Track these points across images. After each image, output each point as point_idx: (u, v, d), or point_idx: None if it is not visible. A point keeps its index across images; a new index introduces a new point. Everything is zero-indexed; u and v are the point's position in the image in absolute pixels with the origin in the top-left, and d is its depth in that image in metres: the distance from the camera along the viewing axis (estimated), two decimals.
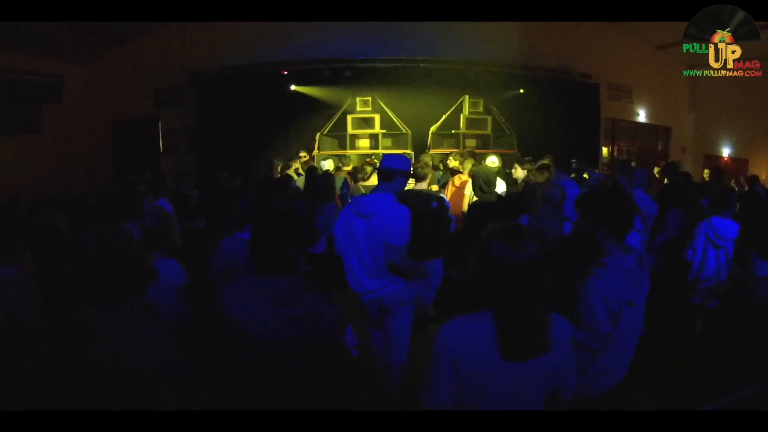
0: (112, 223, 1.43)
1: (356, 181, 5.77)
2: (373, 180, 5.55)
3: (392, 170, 2.61)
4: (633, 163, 7.90)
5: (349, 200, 4.16)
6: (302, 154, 7.15)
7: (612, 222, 1.67)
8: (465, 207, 4.85)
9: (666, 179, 6.12)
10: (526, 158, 5.97)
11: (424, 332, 3.37)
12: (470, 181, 4.89)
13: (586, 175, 5.99)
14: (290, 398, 1.56)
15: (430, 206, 2.73)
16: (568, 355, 1.37)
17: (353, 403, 2.41)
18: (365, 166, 5.94)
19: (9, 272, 2.02)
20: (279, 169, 7.34)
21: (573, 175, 5.69)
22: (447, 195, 5.08)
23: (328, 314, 1.61)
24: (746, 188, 6.56)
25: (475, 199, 4.77)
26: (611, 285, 1.63)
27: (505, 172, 6.35)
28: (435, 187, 5.19)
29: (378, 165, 2.69)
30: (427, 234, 2.59)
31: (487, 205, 4.53)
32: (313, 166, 6.12)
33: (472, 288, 1.33)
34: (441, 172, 6.20)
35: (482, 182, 4.62)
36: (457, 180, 5.10)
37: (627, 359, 1.78)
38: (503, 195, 4.97)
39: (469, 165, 5.24)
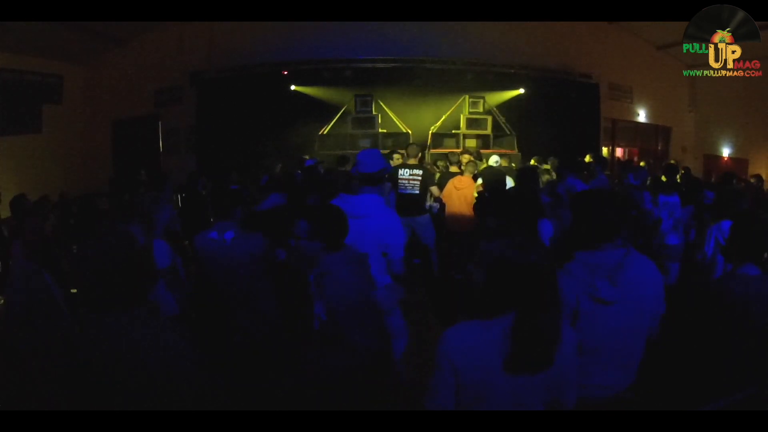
0: (115, 228, 1.44)
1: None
2: None
3: (378, 175, 2.65)
4: (642, 164, 7.89)
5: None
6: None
7: (588, 222, 1.71)
8: (469, 208, 4.78)
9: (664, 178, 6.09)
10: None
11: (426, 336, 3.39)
12: (474, 182, 4.86)
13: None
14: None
15: None
16: (571, 367, 1.35)
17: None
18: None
19: (48, 278, 2.26)
20: (278, 169, 7.32)
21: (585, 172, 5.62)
22: (450, 196, 5.06)
23: None
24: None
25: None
26: (575, 277, 1.63)
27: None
28: (435, 189, 5.15)
29: (360, 165, 2.69)
30: None
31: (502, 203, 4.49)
32: (314, 165, 6.08)
33: (482, 298, 1.33)
34: (438, 174, 6.13)
35: (495, 182, 4.53)
36: (458, 182, 5.06)
37: (616, 365, 1.67)
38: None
39: (471, 168, 5.25)
